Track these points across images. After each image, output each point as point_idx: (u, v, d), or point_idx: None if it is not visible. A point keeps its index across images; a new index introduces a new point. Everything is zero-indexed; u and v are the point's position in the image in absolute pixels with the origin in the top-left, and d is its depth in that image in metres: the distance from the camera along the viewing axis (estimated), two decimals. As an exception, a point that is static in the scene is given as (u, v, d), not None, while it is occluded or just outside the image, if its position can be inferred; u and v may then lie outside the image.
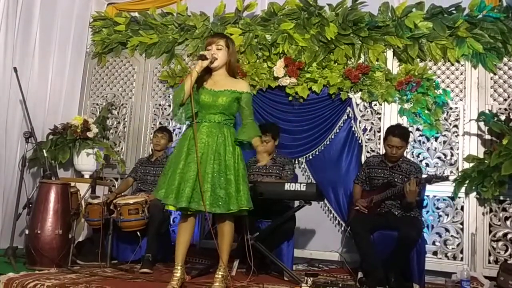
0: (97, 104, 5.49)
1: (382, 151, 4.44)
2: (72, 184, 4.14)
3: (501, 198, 4.18)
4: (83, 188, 4.19)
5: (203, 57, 3.02)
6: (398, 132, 3.85)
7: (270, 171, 4.18)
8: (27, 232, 3.75)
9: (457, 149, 4.40)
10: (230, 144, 3.01)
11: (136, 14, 5.51)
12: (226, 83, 3.08)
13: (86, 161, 4.91)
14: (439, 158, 4.44)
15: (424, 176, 3.83)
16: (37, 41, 4.92)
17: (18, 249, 3.91)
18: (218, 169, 2.95)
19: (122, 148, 5.32)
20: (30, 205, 3.91)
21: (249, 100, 3.10)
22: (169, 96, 5.20)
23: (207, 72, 3.10)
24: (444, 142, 4.45)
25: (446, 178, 3.74)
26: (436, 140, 4.47)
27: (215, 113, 3.04)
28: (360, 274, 3.72)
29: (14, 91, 4.53)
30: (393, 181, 3.86)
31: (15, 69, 4.48)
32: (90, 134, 4.87)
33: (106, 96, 5.48)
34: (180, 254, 3.01)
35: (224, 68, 3.10)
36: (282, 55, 4.83)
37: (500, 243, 4.17)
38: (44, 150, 4.48)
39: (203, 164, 2.93)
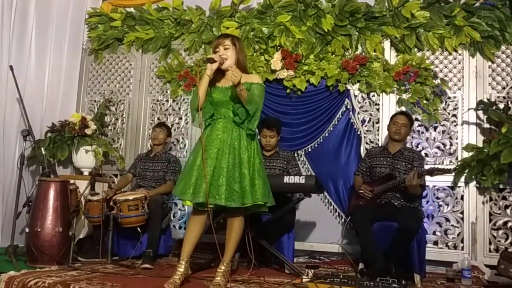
0: (95, 101, 5.47)
1: (381, 142, 4.44)
2: (72, 181, 4.12)
3: (501, 186, 4.17)
4: (82, 185, 4.18)
5: (211, 60, 3.04)
6: (402, 111, 4.18)
7: (274, 164, 4.19)
8: (27, 230, 3.75)
9: (456, 139, 4.39)
10: (245, 138, 3.03)
11: (131, 9, 5.48)
12: None
13: (85, 158, 4.91)
14: (438, 148, 4.43)
15: (426, 167, 3.85)
16: (33, 38, 4.90)
17: (19, 247, 3.92)
18: (233, 163, 2.97)
19: (120, 145, 5.31)
20: (30, 203, 3.91)
21: (259, 89, 3.08)
22: (166, 91, 5.19)
23: (220, 72, 3.13)
24: (443, 131, 4.44)
25: (448, 171, 3.75)
26: (435, 130, 4.46)
27: (230, 108, 3.07)
28: (361, 265, 3.73)
29: (11, 90, 4.52)
30: (396, 168, 3.87)
31: (11, 67, 4.46)
32: (88, 131, 4.85)
33: (104, 93, 5.47)
34: (186, 250, 3.03)
35: (235, 66, 3.10)
36: (279, 47, 4.82)
37: (500, 232, 4.17)
38: (43, 148, 4.47)
39: (219, 159, 2.97)
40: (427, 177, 3.84)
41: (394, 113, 4.20)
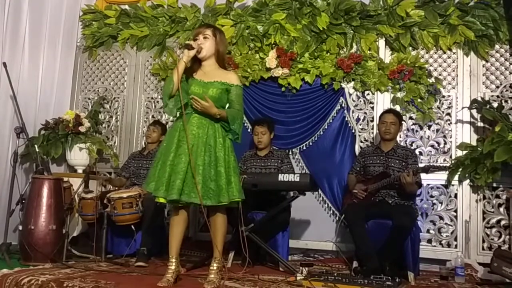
0: (89, 99, 5.45)
1: (375, 141, 4.45)
2: (65, 179, 4.11)
3: (494, 185, 4.19)
4: (76, 183, 4.17)
5: (189, 47, 2.98)
6: (390, 109, 4.15)
7: (269, 164, 4.19)
8: (20, 228, 3.74)
9: (450, 137, 4.41)
10: (221, 136, 3.00)
11: (126, 6, 5.46)
12: (216, 74, 3.05)
13: (78, 155, 4.89)
14: (432, 146, 4.45)
15: (421, 165, 3.86)
16: (26, 35, 4.87)
17: (12, 245, 3.91)
18: (209, 161, 2.93)
19: (115, 142, 5.29)
20: (23, 201, 3.90)
21: (238, 93, 3.07)
22: (161, 89, 5.18)
23: (197, 62, 3.07)
24: (437, 130, 4.46)
25: (443, 168, 3.76)
26: (429, 129, 4.48)
27: None
28: (355, 263, 3.74)
29: (4, 87, 4.49)
30: (390, 166, 3.89)
31: (4, 64, 4.44)
32: (82, 129, 4.84)
33: (98, 90, 5.44)
34: (174, 247, 3.01)
35: (214, 59, 3.08)
36: (274, 45, 4.81)
37: (493, 230, 4.19)
38: (36, 146, 4.45)
39: (194, 156, 2.91)
40: (422, 175, 3.85)
41: (382, 112, 4.19)
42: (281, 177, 3.72)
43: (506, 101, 4.33)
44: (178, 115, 3.06)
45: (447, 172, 4.23)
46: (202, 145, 2.94)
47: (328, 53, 4.69)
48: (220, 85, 3.02)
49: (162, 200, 2.95)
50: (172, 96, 2.97)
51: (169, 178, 2.89)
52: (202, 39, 3.03)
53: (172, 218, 3.07)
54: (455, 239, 4.25)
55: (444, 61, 4.53)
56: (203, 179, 2.89)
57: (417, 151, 4.36)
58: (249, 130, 4.73)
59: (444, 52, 4.52)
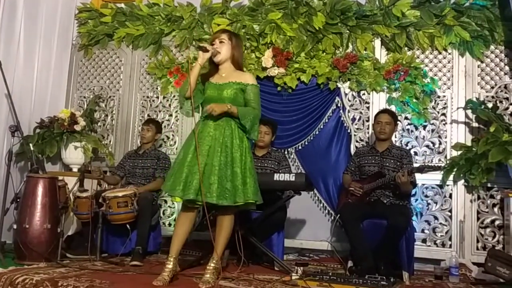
0: (84, 97, 5.43)
1: (371, 140, 4.46)
2: (60, 177, 4.10)
3: (489, 185, 4.21)
4: (71, 182, 4.15)
5: (204, 49, 3.04)
6: (385, 109, 4.17)
7: (266, 165, 4.19)
8: (15, 226, 3.71)
9: (445, 137, 4.43)
10: (237, 137, 3.03)
11: (122, 5, 5.44)
12: (231, 76, 3.11)
13: (74, 154, 4.87)
14: (427, 146, 4.46)
15: (416, 165, 3.87)
16: (21, 33, 4.84)
17: (6, 244, 3.89)
18: (225, 162, 2.96)
19: (110, 141, 5.28)
20: (18, 200, 3.87)
21: (255, 92, 3.12)
22: (157, 88, 5.17)
23: (215, 67, 3.14)
24: (432, 130, 4.47)
25: (437, 168, 3.77)
26: (424, 129, 4.49)
27: None
28: (350, 263, 3.75)
29: (-1, 85, 4.47)
30: (385, 166, 3.90)
31: (-1, 62, 4.41)
32: (77, 127, 4.81)
33: (93, 89, 5.43)
34: (175, 246, 3.03)
35: (230, 62, 3.13)
36: (270, 45, 4.82)
37: (488, 230, 4.21)
38: (31, 144, 4.43)
39: (210, 156, 2.96)
40: (417, 175, 3.86)
41: (377, 111, 4.20)
42: (276, 176, 3.72)
43: (500, 102, 4.35)
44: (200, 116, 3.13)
45: (442, 172, 4.25)
46: (219, 146, 2.99)
47: (324, 53, 4.70)
48: (235, 85, 3.06)
49: (178, 200, 3.00)
50: (187, 98, 3.03)
51: (186, 178, 2.93)
52: (218, 44, 3.10)
53: (179, 218, 3.09)
54: (450, 239, 4.27)
55: (440, 62, 4.55)
56: (219, 179, 2.92)
57: (412, 151, 4.37)
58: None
59: (440, 53, 4.54)
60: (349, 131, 4.64)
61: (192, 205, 3.00)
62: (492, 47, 4.42)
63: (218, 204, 2.93)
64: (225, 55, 3.10)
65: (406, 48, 4.59)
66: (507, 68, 4.39)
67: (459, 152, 4.27)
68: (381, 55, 4.63)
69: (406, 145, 4.47)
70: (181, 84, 3.17)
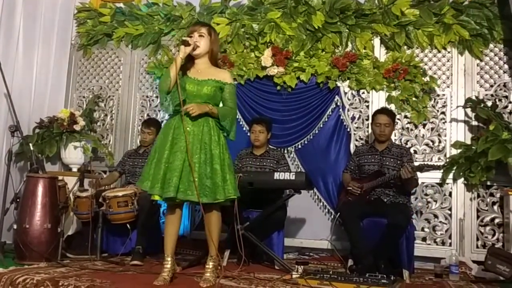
0: (84, 97, 5.43)
1: (370, 139, 4.46)
2: (60, 177, 4.10)
3: (488, 183, 4.22)
4: (71, 182, 4.15)
5: (186, 43, 2.98)
6: (383, 110, 4.10)
7: (264, 164, 4.19)
8: (15, 226, 3.71)
9: (445, 136, 4.43)
10: (216, 133, 3.00)
11: (121, 4, 5.44)
12: (209, 72, 3.07)
13: (73, 154, 4.87)
14: (427, 145, 4.47)
15: (416, 164, 3.88)
16: (20, 33, 4.84)
17: (7, 244, 3.88)
18: (205, 159, 2.93)
19: (110, 141, 5.28)
20: (18, 200, 3.86)
21: (232, 91, 3.10)
22: (156, 87, 5.16)
23: (190, 60, 3.07)
24: (432, 129, 4.48)
25: (437, 167, 3.77)
26: (424, 127, 4.49)
27: (200, 102, 3.00)
28: (350, 262, 3.75)
29: (-2, 85, 4.46)
30: (385, 165, 3.90)
31: (-2, 62, 4.40)
32: (77, 127, 4.81)
33: (93, 89, 5.42)
34: (169, 246, 3.01)
35: (207, 57, 3.09)
36: (269, 44, 4.81)
37: (487, 228, 4.22)
38: (31, 144, 4.42)
39: (190, 153, 2.91)
40: (417, 173, 3.86)
41: (375, 111, 4.16)
42: (276, 175, 3.72)
43: (500, 100, 4.36)
44: (173, 112, 3.05)
45: (441, 171, 4.25)
46: (198, 143, 2.95)
47: (324, 52, 4.70)
48: (214, 83, 3.04)
49: (157, 197, 2.95)
50: (168, 93, 2.96)
51: (164, 176, 2.89)
52: (197, 37, 3.04)
53: (167, 217, 3.07)
54: (450, 237, 4.27)
55: (439, 60, 4.55)
56: (199, 176, 2.89)
57: (412, 150, 4.38)
58: (244, 128, 4.74)
59: (439, 51, 4.54)
60: (348, 130, 4.65)
61: (174, 202, 2.97)
62: (491, 45, 4.43)
63: (199, 202, 2.88)
64: (203, 49, 3.04)
65: (405, 47, 4.59)
66: (506, 66, 4.39)
67: (459, 151, 4.28)
68: (380, 53, 4.64)
69: (406, 143, 4.47)
70: (161, 80, 3.07)
